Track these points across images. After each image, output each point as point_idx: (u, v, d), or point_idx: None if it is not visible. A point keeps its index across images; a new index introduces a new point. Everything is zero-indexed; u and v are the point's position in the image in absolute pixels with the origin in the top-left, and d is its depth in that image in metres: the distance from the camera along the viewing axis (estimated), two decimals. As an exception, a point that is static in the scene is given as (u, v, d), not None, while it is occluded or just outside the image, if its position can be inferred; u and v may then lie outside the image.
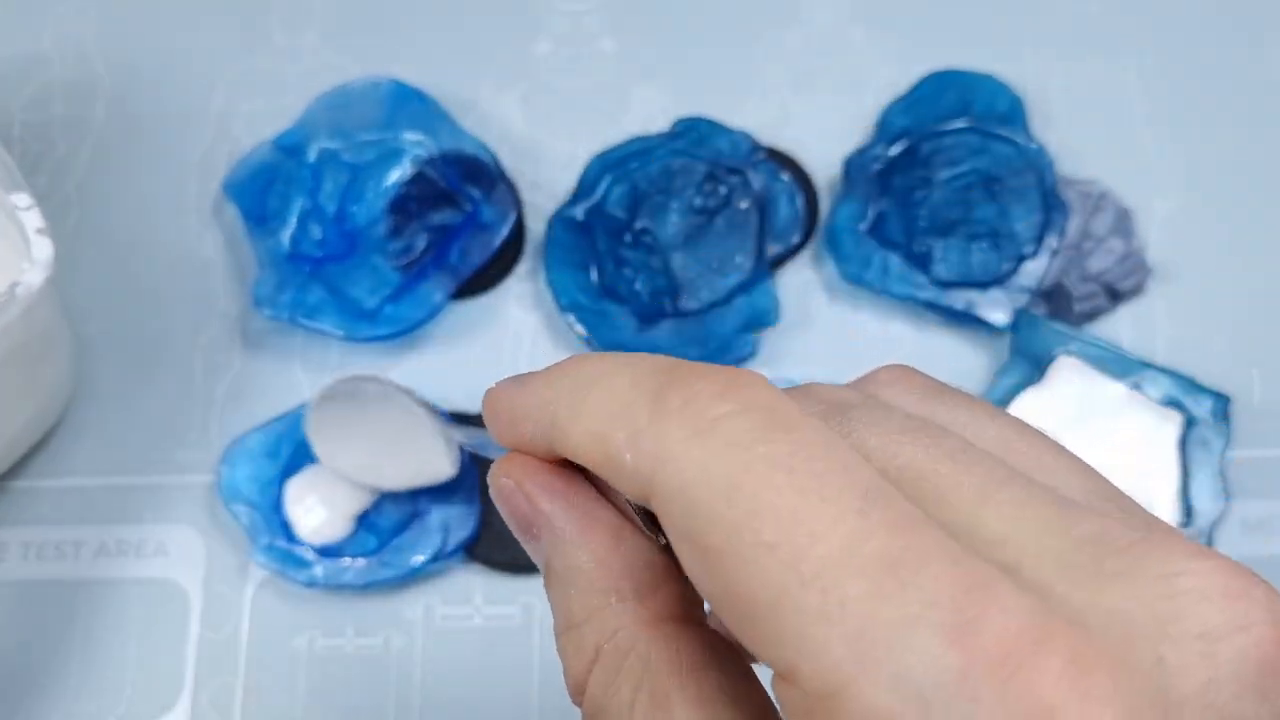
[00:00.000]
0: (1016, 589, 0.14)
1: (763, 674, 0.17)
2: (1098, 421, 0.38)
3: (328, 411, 0.38)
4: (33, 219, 0.35)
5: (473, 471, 0.39)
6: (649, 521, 0.18)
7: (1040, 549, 0.15)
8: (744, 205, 0.42)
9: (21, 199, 0.35)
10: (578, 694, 0.18)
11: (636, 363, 0.17)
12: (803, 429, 0.15)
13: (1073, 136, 0.44)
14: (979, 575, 0.14)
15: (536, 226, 0.44)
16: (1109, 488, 0.17)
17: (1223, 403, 0.39)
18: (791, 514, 0.15)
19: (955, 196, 0.42)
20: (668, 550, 0.18)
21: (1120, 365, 0.39)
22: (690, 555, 0.16)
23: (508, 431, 0.19)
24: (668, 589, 0.18)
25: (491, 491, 0.20)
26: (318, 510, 0.39)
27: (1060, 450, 0.18)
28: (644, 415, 0.16)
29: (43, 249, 0.35)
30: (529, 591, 0.39)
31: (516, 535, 0.20)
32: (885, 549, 0.14)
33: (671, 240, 0.42)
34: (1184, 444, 0.38)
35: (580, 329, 0.41)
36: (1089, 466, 0.18)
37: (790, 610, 0.14)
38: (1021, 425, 0.18)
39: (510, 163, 0.45)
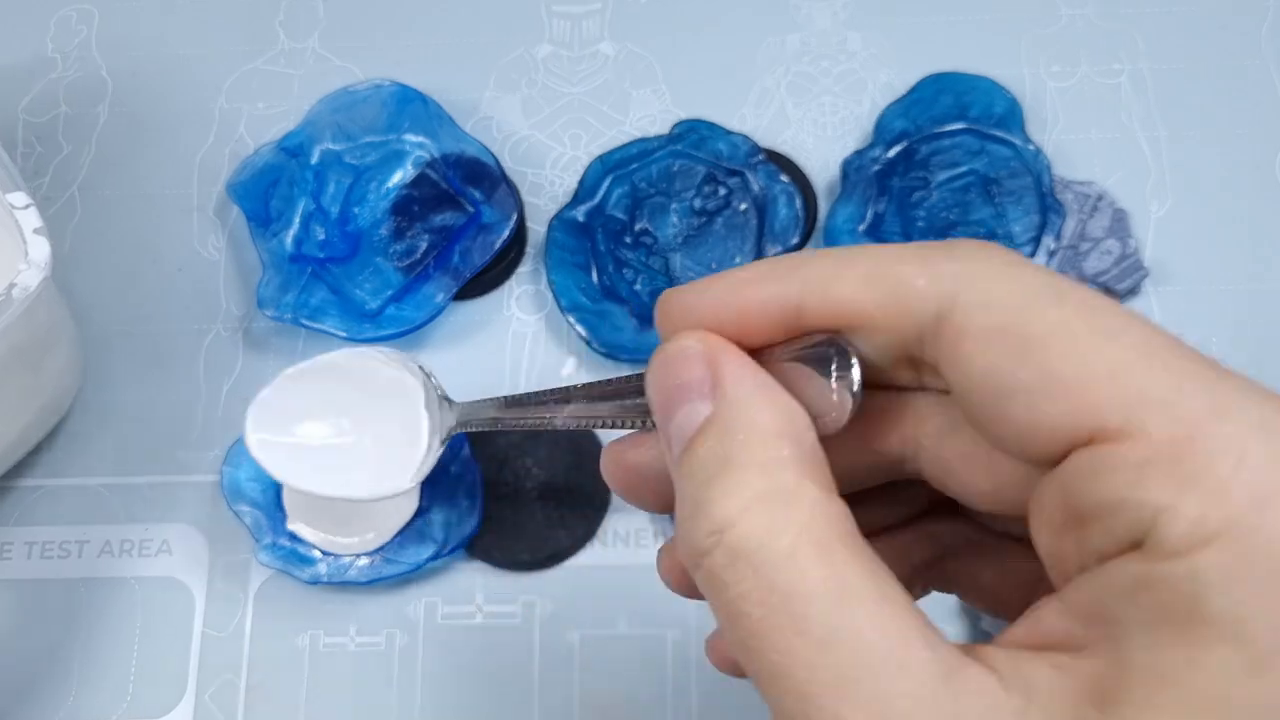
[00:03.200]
0: None
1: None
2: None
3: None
4: (29, 219, 0.34)
5: (473, 468, 0.39)
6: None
7: None
8: (743, 207, 0.42)
9: (18, 198, 0.35)
10: (716, 533, 0.18)
11: (888, 247, 0.19)
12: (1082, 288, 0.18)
13: (1069, 139, 0.44)
14: None
15: (537, 228, 0.44)
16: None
17: (1218, 402, 0.39)
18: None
19: (953, 198, 0.42)
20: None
21: (1116, 365, 0.39)
22: (1000, 351, 0.17)
23: (724, 306, 0.20)
24: (828, 469, 0.19)
25: (658, 360, 0.20)
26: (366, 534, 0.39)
27: None
28: (937, 253, 0.18)
29: (39, 249, 0.34)
30: (530, 590, 0.39)
31: (661, 408, 0.20)
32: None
33: (671, 241, 0.42)
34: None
35: (581, 329, 0.41)
36: None
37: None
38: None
39: (511, 165, 0.45)
